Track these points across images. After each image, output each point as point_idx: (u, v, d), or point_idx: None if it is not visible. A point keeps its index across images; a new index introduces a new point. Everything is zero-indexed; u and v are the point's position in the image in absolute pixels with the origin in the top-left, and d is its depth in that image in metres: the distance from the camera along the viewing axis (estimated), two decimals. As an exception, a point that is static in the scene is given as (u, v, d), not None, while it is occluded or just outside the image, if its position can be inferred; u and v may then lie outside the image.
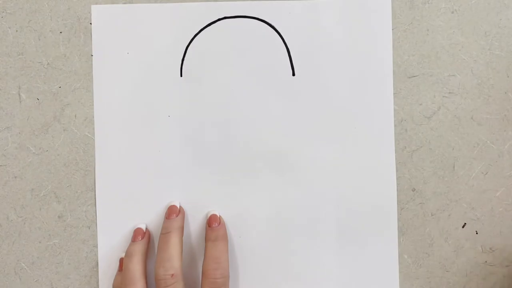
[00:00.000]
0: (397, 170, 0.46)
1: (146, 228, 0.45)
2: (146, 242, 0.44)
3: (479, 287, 0.46)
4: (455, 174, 0.46)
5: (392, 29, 0.46)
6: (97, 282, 0.45)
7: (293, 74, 0.46)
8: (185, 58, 0.46)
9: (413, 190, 0.46)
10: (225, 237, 0.44)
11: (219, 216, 0.45)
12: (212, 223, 0.44)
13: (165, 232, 0.43)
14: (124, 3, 0.45)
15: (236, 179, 0.45)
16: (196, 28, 0.46)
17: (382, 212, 0.46)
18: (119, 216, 0.45)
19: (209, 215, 0.45)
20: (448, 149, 0.46)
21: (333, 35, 0.46)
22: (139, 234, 0.44)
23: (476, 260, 0.46)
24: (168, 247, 0.42)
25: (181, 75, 0.46)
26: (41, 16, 0.45)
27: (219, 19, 0.46)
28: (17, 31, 0.46)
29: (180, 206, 0.45)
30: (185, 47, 0.46)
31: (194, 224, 0.45)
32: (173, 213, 0.44)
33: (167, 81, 0.45)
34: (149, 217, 0.45)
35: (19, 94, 0.45)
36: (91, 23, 0.46)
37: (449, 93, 0.46)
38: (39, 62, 0.46)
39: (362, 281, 0.45)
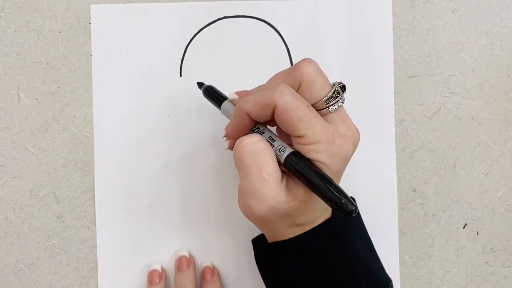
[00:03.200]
0: (397, 170, 0.46)
1: (162, 269, 0.45)
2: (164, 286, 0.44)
3: (480, 287, 0.46)
4: (455, 174, 0.46)
5: (393, 29, 0.46)
6: (97, 282, 0.45)
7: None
8: (184, 58, 0.45)
9: (414, 190, 0.46)
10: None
11: (213, 267, 0.45)
12: (207, 275, 0.44)
13: None
14: (124, 3, 0.45)
15: (236, 177, 0.45)
16: (196, 27, 0.45)
17: (382, 213, 0.45)
18: (118, 216, 0.45)
19: (203, 267, 0.45)
20: (448, 149, 0.46)
21: (334, 35, 0.45)
22: (156, 276, 0.44)
23: (477, 261, 0.46)
24: None
25: (180, 75, 0.45)
26: (40, 16, 0.45)
27: (218, 19, 0.45)
28: (16, 30, 0.45)
29: (190, 255, 0.45)
30: (184, 47, 0.45)
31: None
32: (183, 264, 0.44)
33: (166, 81, 0.45)
34: (149, 218, 0.45)
35: (18, 94, 0.45)
36: (90, 23, 0.45)
37: (450, 93, 0.46)
38: (38, 62, 0.45)
39: (362, 282, 0.45)
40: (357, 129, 0.36)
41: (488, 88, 0.46)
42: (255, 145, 0.34)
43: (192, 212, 0.45)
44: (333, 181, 0.33)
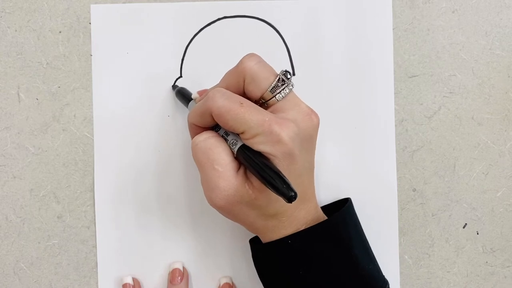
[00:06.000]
0: (397, 170, 0.46)
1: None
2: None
3: (479, 287, 0.46)
4: (455, 174, 0.46)
5: (393, 29, 0.46)
6: (97, 282, 0.45)
7: (293, 74, 0.45)
8: (185, 58, 0.46)
9: (414, 190, 0.46)
10: None
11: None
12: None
13: None
14: (124, 3, 0.45)
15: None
16: (196, 27, 0.45)
17: (382, 213, 0.45)
18: (118, 216, 0.45)
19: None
20: (448, 149, 0.46)
21: (334, 34, 0.45)
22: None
23: (477, 261, 0.46)
24: None
25: (181, 75, 0.45)
26: (40, 16, 0.45)
27: (218, 19, 0.45)
28: (16, 30, 0.45)
29: (183, 268, 0.45)
30: (185, 47, 0.45)
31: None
32: (176, 277, 0.44)
33: (167, 81, 0.45)
34: (148, 218, 0.45)
35: (18, 94, 0.45)
36: (90, 23, 0.45)
37: (450, 93, 0.46)
38: (38, 62, 0.45)
39: (362, 282, 0.45)
40: (311, 111, 0.37)
41: (488, 88, 0.46)
42: (206, 141, 0.36)
43: (192, 212, 0.45)
44: (275, 168, 0.34)
